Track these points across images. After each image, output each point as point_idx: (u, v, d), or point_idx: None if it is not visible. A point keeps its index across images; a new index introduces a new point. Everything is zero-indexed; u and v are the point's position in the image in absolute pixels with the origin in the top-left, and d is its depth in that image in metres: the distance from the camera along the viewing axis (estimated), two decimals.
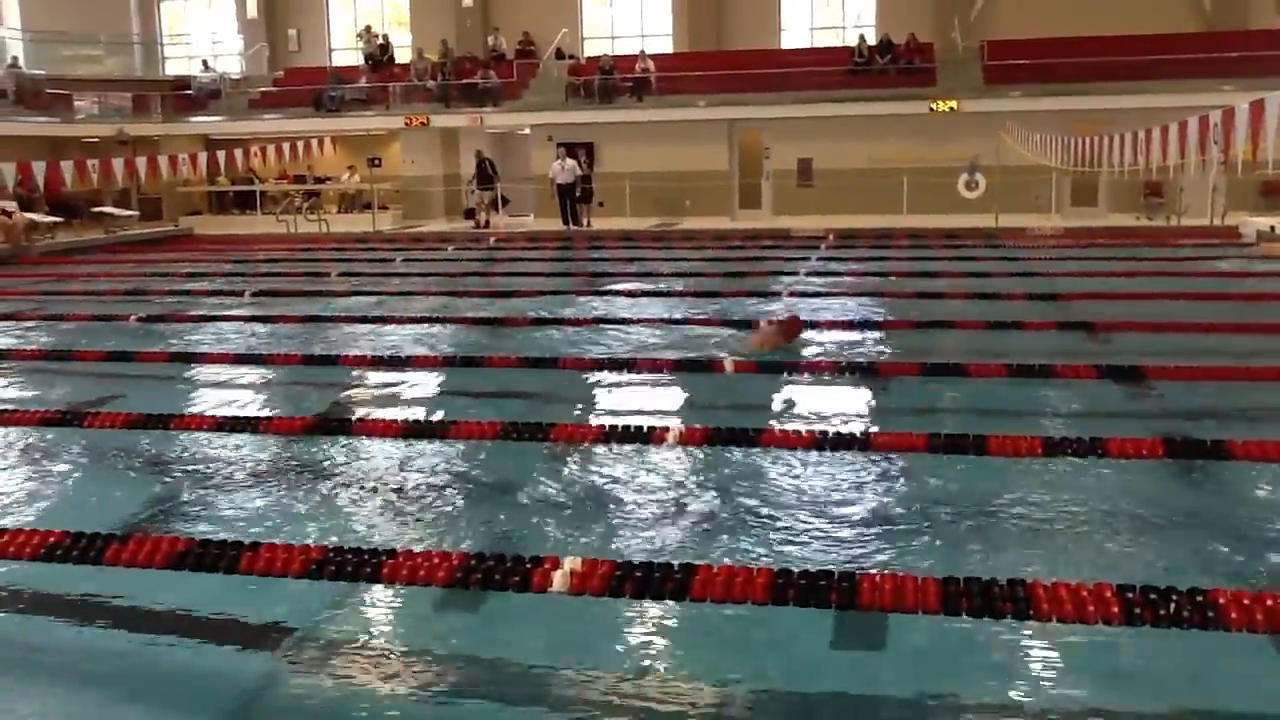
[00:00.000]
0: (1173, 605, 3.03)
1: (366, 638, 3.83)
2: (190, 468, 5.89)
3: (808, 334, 9.05)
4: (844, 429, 5.99)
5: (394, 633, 3.95)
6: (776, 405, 7.23)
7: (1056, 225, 19.56)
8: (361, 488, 5.49)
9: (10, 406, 7.29)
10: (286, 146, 22.87)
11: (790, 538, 4.68)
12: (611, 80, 24.28)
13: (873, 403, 7.16)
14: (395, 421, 6.30)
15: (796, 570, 3.34)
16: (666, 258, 16.15)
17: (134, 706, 3.51)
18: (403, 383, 7.94)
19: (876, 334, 9.37)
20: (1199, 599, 3.05)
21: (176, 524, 5.06)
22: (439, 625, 3.97)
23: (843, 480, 5.39)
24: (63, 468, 6.13)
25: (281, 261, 16.99)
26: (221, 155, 22.18)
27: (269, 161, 23.35)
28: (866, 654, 3.66)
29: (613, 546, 4.64)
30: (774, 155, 23.67)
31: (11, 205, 18.91)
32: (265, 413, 7.26)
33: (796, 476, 5.43)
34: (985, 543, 4.62)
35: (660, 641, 3.82)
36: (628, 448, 5.71)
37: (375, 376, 8.12)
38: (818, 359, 8.35)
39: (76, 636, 3.93)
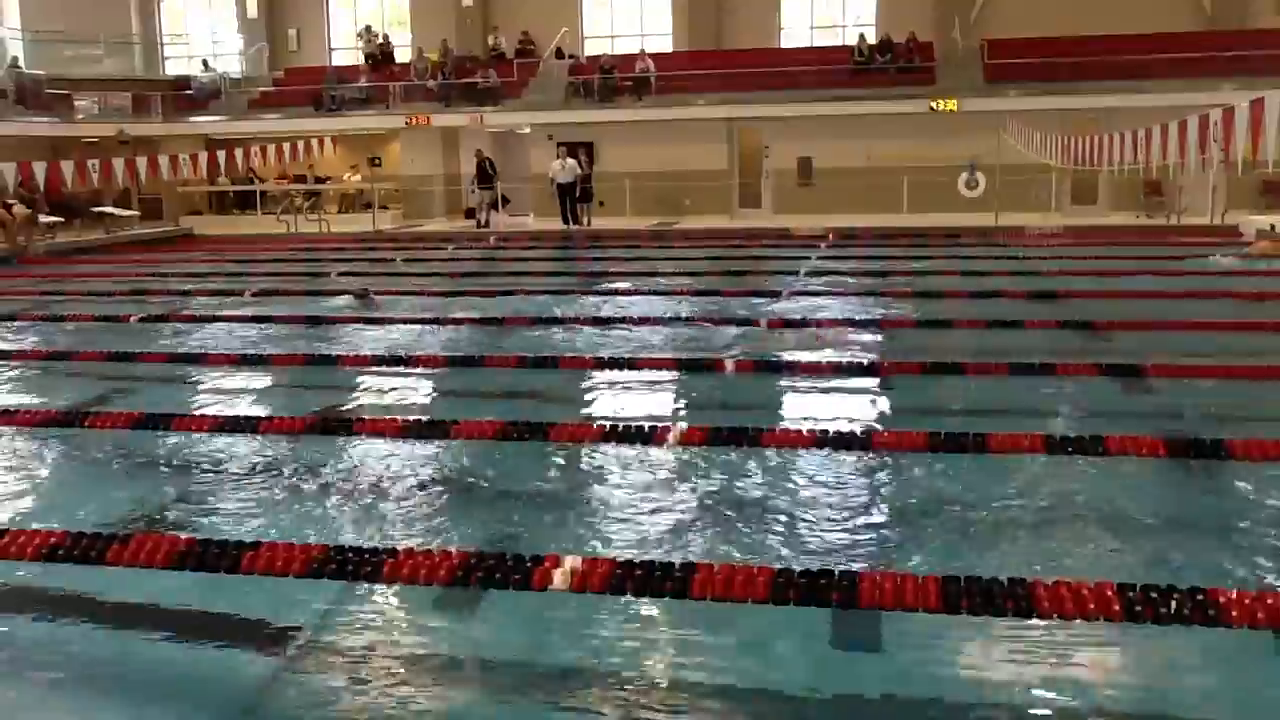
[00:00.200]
0: (1173, 604, 3.03)
1: (368, 637, 3.83)
2: (191, 467, 5.89)
3: (808, 334, 9.05)
4: (845, 428, 5.99)
5: (396, 631, 3.95)
6: (777, 404, 7.23)
7: (1057, 224, 19.56)
8: (362, 487, 5.49)
9: (10, 407, 7.30)
10: (287, 146, 22.87)
11: (791, 536, 4.68)
12: (611, 79, 24.29)
13: (874, 401, 7.16)
14: (396, 420, 6.31)
15: (797, 569, 3.35)
16: (666, 257, 16.16)
17: (134, 707, 3.51)
18: (403, 382, 7.95)
19: (876, 332, 9.37)
20: (1199, 597, 3.05)
21: (177, 524, 5.06)
22: (440, 624, 3.97)
23: (844, 479, 5.39)
24: (63, 468, 6.13)
25: (282, 261, 17.00)
26: (222, 155, 22.18)
27: (269, 161, 23.36)
28: (866, 653, 3.66)
29: (613, 545, 4.63)
30: (774, 154, 23.67)
31: (12, 200, 18.90)
32: (266, 412, 7.26)
33: (797, 475, 5.43)
34: (985, 541, 4.62)
35: (660, 641, 3.82)
36: (628, 447, 5.71)
37: (376, 376, 8.11)
38: (817, 360, 8.35)
39: (76, 637, 3.93)
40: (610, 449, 5.79)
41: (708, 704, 3.37)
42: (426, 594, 3.96)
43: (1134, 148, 13.89)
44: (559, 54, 25.88)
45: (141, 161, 20.66)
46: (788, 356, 8.33)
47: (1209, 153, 11.74)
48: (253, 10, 28.96)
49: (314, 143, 23.74)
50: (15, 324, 10.93)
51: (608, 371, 7.93)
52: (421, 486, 5.47)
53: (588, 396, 7.52)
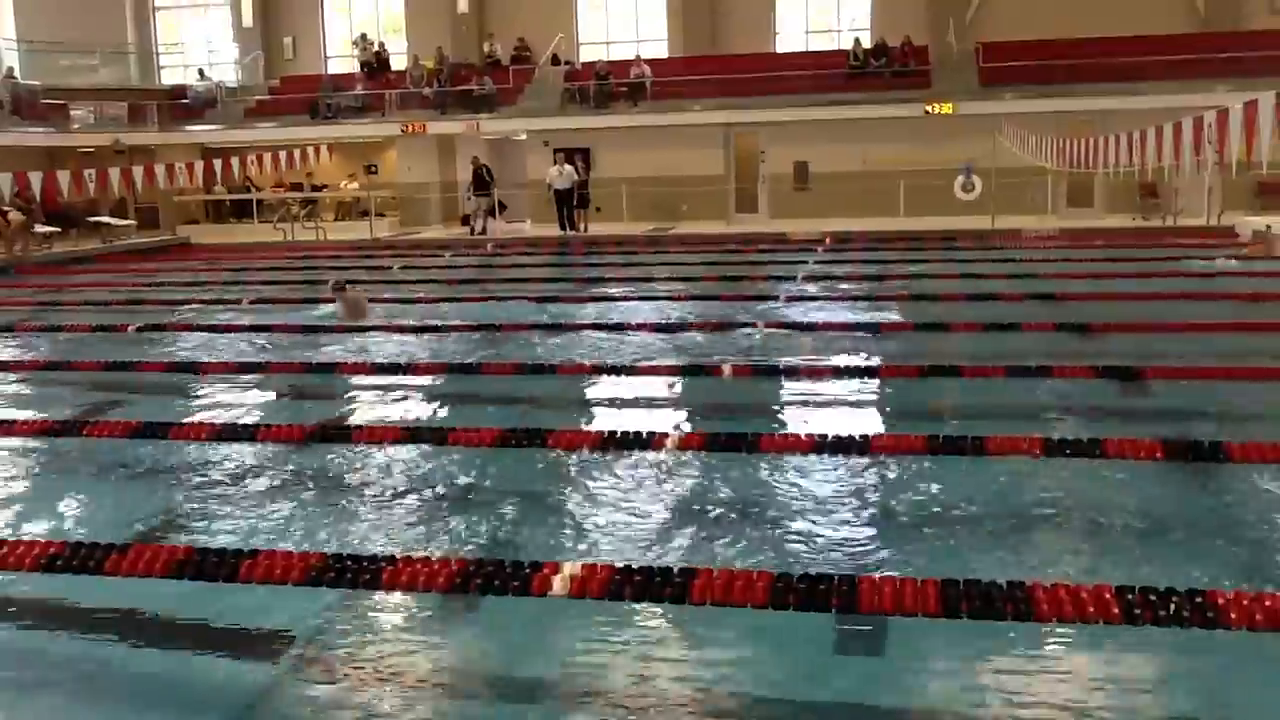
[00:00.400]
0: (1172, 606, 3.04)
1: (368, 644, 3.83)
2: (189, 476, 5.89)
3: (806, 335, 9.05)
4: (843, 432, 5.99)
5: (395, 639, 3.95)
6: (775, 409, 7.23)
7: (1053, 226, 19.59)
8: (361, 494, 5.49)
9: (9, 417, 7.29)
10: (283, 154, 22.88)
11: (790, 541, 4.68)
12: (607, 85, 24.31)
13: (871, 405, 7.16)
14: (394, 428, 6.31)
15: (796, 574, 3.35)
16: (663, 262, 16.17)
17: (135, 716, 3.50)
18: (401, 389, 7.94)
19: (874, 336, 9.37)
20: (1198, 600, 3.06)
21: (176, 533, 5.05)
22: (440, 630, 3.97)
23: (842, 483, 5.39)
24: (62, 478, 6.12)
25: (279, 269, 17.00)
26: (218, 164, 22.18)
27: (266, 170, 23.35)
28: (866, 657, 3.66)
29: (612, 550, 4.63)
30: (770, 159, 23.69)
31: (7, 208, 18.88)
32: (264, 420, 7.25)
33: (796, 480, 5.43)
34: (985, 544, 4.62)
35: (660, 644, 3.82)
36: (627, 452, 5.71)
37: (374, 383, 8.11)
38: (817, 361, 8.35)
39: (76, 646, 3.92)
40: (610, 454, 5.79)
41: (708, 706, 3.37)
42: (427, 600, 3.96)
43: (1129, 150, 13.90)
44: (555, 60, 25.90)
45: (138, 171, 20.63)
46: (785, 361, 8.33)
47: (1204, 154, 11.75)
48: (248, 19, 28.97)
49: (310, 151, 23.74)
50: (12, 335, 10.92)
51: (606, 377, 7.93)
52: (420, 493, 5.47)
53: (585, 402, 7.52)
